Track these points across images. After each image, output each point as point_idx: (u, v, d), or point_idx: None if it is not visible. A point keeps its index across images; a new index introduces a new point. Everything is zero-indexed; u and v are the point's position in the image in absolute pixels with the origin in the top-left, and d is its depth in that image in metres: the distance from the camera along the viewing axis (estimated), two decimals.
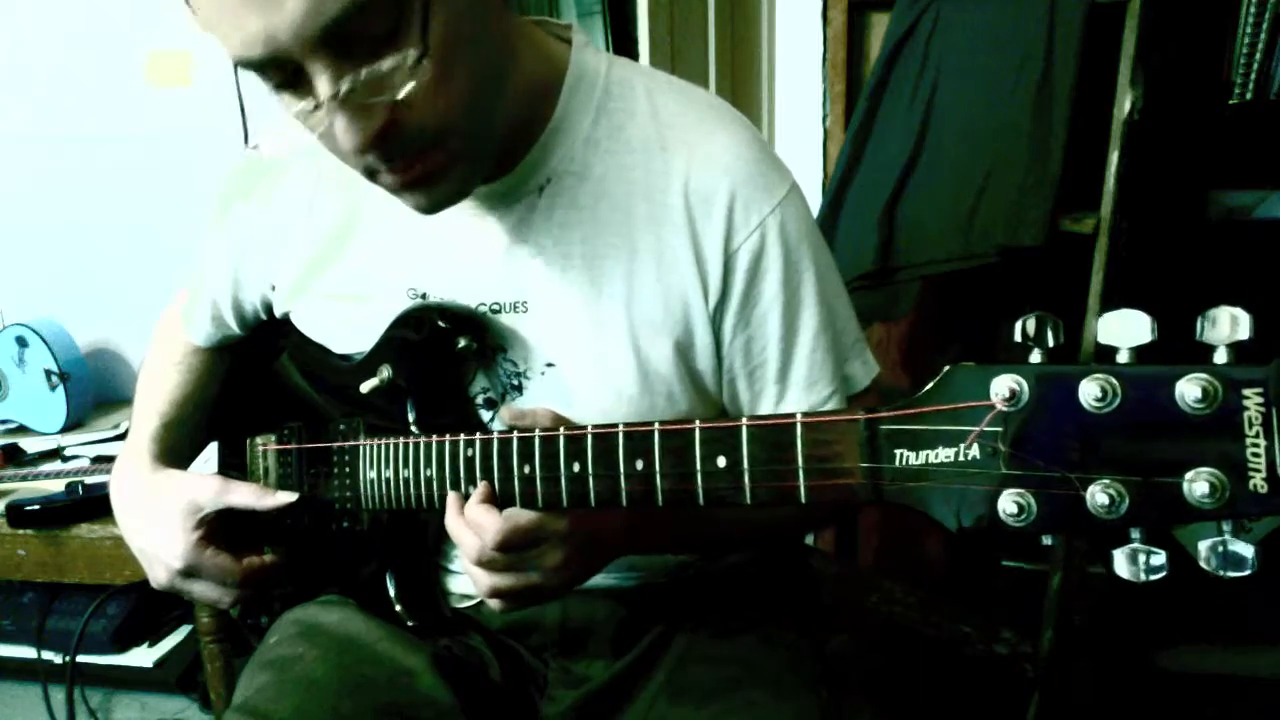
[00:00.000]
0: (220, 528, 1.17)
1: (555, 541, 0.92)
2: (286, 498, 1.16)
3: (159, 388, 1.30)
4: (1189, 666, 2.24)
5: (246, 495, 1.15)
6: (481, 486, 0.93)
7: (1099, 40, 1.84)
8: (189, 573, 1.16)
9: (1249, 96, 1.95)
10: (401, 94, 0.80)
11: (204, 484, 1.16)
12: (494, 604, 0.97)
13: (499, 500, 0.92)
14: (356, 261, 1.10)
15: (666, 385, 1.05)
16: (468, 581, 1.15)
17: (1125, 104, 1.81)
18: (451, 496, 0.96)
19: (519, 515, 0.90)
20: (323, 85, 0.80)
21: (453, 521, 0.95)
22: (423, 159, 0.88)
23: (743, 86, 2.39)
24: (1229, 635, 2.26)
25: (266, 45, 0.78)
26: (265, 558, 1.19)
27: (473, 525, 0.92)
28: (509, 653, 1.19)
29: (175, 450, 1.27)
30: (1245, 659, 2.25)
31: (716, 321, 1.04)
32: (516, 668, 1.19)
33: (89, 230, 2.51)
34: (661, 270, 1.02)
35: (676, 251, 1.01)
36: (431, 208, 0.94)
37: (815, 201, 2.20)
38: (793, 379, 1.06)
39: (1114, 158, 1.83)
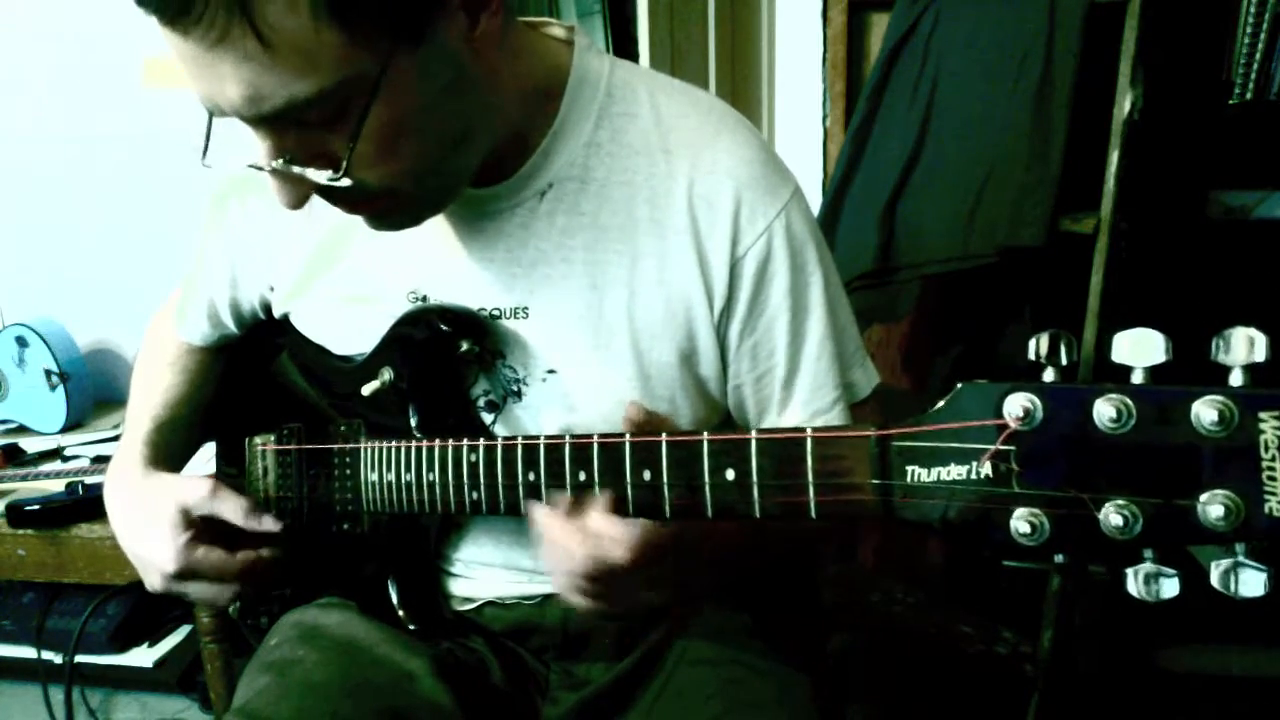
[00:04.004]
0: (214, 527, 1.16)
1: (672, 555, 0.87)
2: (271, 525, 1.14)
3: (153, 388, 1.29)
4: (1189, 666, 2.25)
5: (233, 509, 1.13)
6: (606, 496, 0.86)
7: (1099, 40, 1.84)
8: (183, 575, 1.15)
9: (1249, 96, 1.95)
10: (332, 175, 0.85)
11: (194, 487, 1.15)
12: (580, 602, 0.92)
13: (502, 508, 0.91)
14: (357, 263, 1.10)
15: (669, 391, 1.05)
16: (469, 584, 1.15)
17: (1125, 104, 1.81)
18: (555, 500, 0.89)
19: (650, 529, 0.84)
20: (263, 150, 0.85)
21: (558, 527, 0.88)
22: (366, 206, 0.93)
23: (743, 86, 2.39)
24: (1229, 635, 2.26)
25: (213, 109, 0.83)
26: (262, 552, 1.19)
27: (597, 537, 0.85)
28: (510, 655, 1.19)
29: (169, 452, 1.26)
30: (1245, 659, 2.25)
31: (721, 328, 1.04)
32: (518, 670, 1.19)
33: (89, 230, 2.50)
34: (664, 275, 1.01)
35: (679, 256, 1.01)
36: (386, 229, 0.98)
37: (815, 201, 2.20)
38: (799, 385, 1.06)
39: (1114, 158, 1.82)
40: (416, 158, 0.89)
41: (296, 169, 0.85)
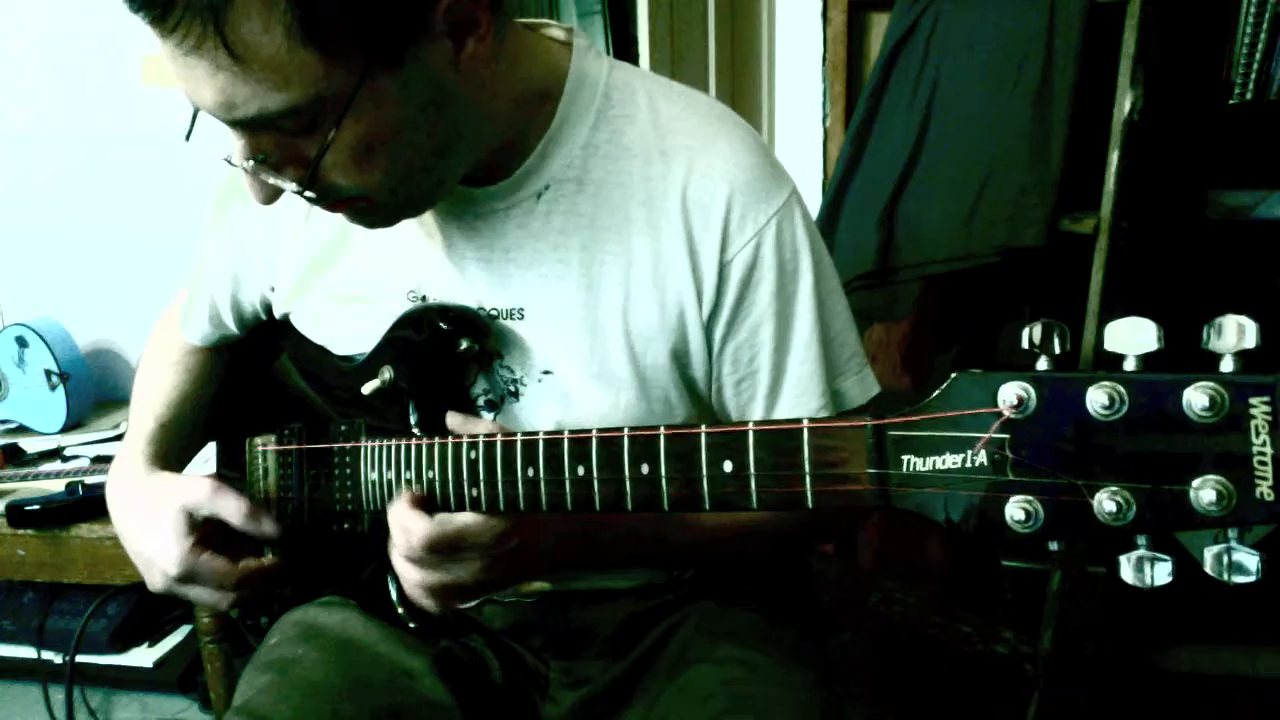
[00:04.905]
0: (218, 529, 1.16)
1: (481, 548, 0.94)
2: (270, 529, 1.15)
3: (156, 388, 1.29)
4: (1189, 666, 2.25)
5: (233, 511, 1.13)
6: (410, 492, 0.96)
7: (1099, 40, 1.85)
8: (185, 578, 1.15)
9: (1249, 96, 1.95)
10: (296, 185, 0.87)
11: (197, 488, 1.15)
12: (425, 602, 0.99)
13: (501, 504, 0.92)
14: (356, 263, 1.10)
15: (663, 391, 1.05)
16: None
17: (1125, 104, 1.81)
18: (404, 491, 0.98)
19: (447, 523, 0.92)
20: (237, 149, 0.87)
21: (393, 512, 0.97)
22: (343, 206, 0.94)
23: (743, 86, 2.39)
24: (1229, 635, 2.27)
25: (194, 105, 0.85)
26: (264, 560, 1.19)
27: (402, 526, 0.95)
28: (510, 654, 1.20)
29: (171, 451, 1.26)
30: (1245, 659, 2.25)
31: (709, 329, 1.04)
32: (517, 669, 1.19)
33: (89, 230, 2.50)
34: (658, 277, 1.01)
35: (673, 258, 1.01)
36: (366, 226, 0.99)
37: (815, 201, 2.20)
38: (784, 390, 1.06)
39: (1114, 158, 1.83)
40: (391, 169, 0.89)
41: (264, 174, 0.87)
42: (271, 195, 0.90)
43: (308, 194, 0.88)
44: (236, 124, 0.83)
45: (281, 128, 0.84)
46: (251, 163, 0.86)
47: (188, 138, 0.92)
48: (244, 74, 0.78)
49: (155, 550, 1.16)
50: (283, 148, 0.86)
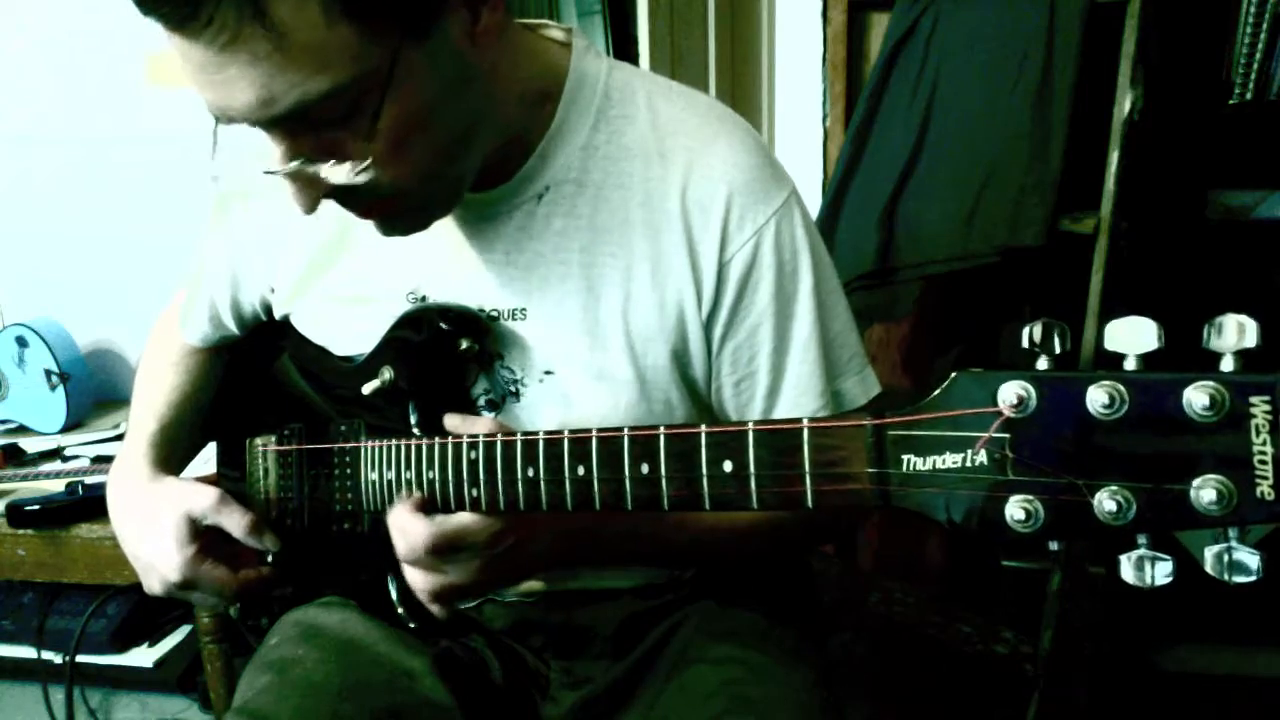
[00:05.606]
0: (218, 535, 1.17)
1: (478, 548, 0.95)
2: (271, 544, 1.17)
3: (156, 389, 1.29)
4: (1189, 666, 2.25)
5: (236, 524, 1.15)
6: (415, 497, 0.98)
7: (1099, 40, 1.85)
8: (185, 585, 1.16)
9: (1249, 96, 1.95)
10: (349, 172, 0.85)
11: (201, 496, 1.16)
12: (431, 606, 1.01)
13: (502, 504, 0.92)
14: (356, 264, 1.10)
15: (664, 393, 1.05)
16: None
17: (1125, 104, 1.81)
18: (402, 496, 0.99)
19: (445, 524, 0.94)
20: (277, 154, 0.85)
21: (391, 517, 0.98)
22: (378, 208, 0.93)
23: (743, 86, 2.39)
24: (1229, 635, 2.27)
25: (223, 116, 0.83)
26: (263, 570, 1.19)
27: (401, 529, 0.96)
28: (510, 654, 1.19)
29: (173, 453, 1.27)
30: (1245, 659, 2.25)
31: (709, 329, 1.04)
32: (518, 669, 1.19)
33: (89, 230, 2.50)
34: (658, 278, 1.01)
35: (673, 259, 1.01)
36: (395, 234, 0.98)
37: (815, 202, 2.20)
38: (784, 391, 1.06)
39: (1114, 158, 1.83)
40: (425, 156, 0.89)
41: (312, 169, 0.85)
42: (315, 202, 0.88)
43: (361, 179, 0.85)
44: (275, 122, 0.81)
45: (321, 119, 0.82)
46: (296, 164, 0.85)
47: (211, 158, 0.91)
48: (283, 61, 0.77)
49: (156, 555, 1.16)
50: (321, 146, 0.85)
